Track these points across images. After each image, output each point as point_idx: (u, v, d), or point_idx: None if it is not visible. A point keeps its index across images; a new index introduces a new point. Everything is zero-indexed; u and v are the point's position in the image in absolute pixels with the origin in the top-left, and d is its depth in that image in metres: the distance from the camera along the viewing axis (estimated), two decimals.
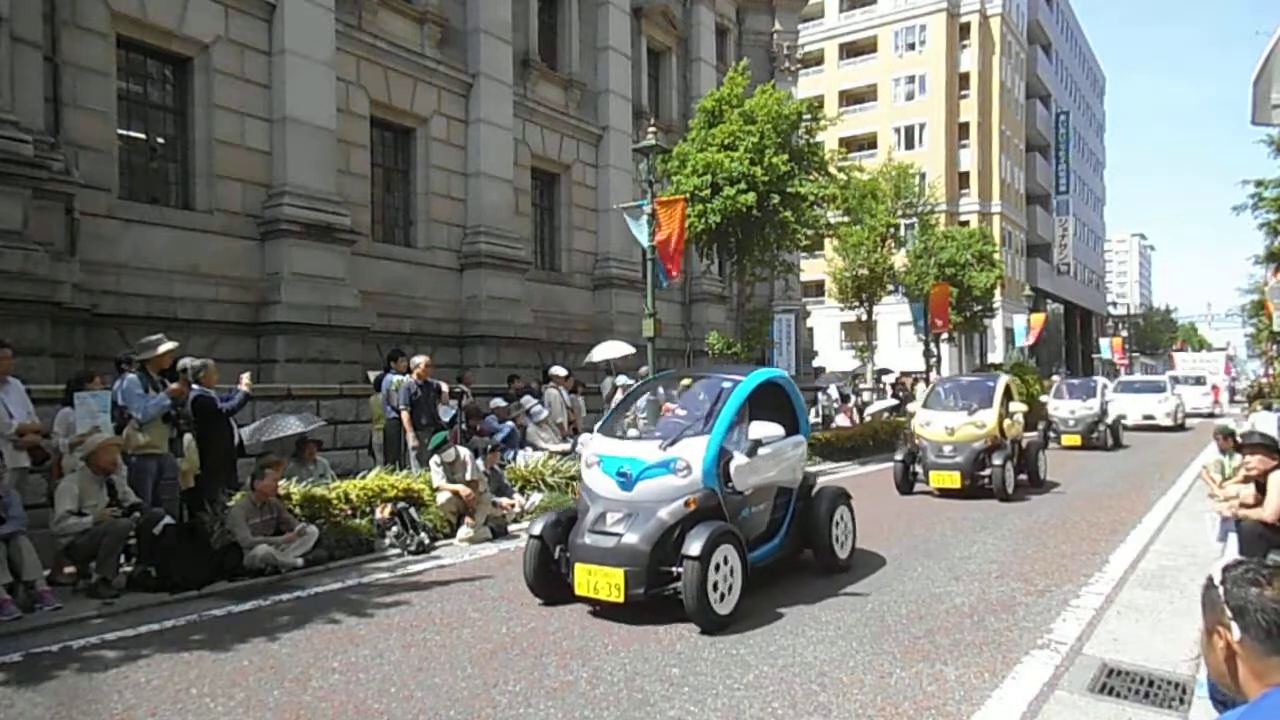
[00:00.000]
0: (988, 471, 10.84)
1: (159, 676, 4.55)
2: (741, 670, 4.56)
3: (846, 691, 4.25)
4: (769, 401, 6.74)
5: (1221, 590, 1.70)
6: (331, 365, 12.51)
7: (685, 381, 6.99)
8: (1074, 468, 14.59)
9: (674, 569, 5.31)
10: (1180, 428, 24.74)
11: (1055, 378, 28.31)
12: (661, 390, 7.19)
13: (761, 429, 6.00)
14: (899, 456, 11.75)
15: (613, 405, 14.38)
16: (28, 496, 6.59)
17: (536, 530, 5.94)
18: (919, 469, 11.49)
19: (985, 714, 3.99)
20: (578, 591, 5.51)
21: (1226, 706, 1.70)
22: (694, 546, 5.17)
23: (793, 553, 6.66)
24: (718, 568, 5.24)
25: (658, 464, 5.71)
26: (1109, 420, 18.70)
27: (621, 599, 5.27)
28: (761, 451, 6.01)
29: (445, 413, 10.40)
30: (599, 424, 6.86)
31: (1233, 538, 6.08)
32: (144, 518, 6.52)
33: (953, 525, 9.19)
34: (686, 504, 5.50)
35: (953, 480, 10.95)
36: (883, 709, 4.04)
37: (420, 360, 10.06)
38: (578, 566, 5.51)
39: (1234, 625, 1.64)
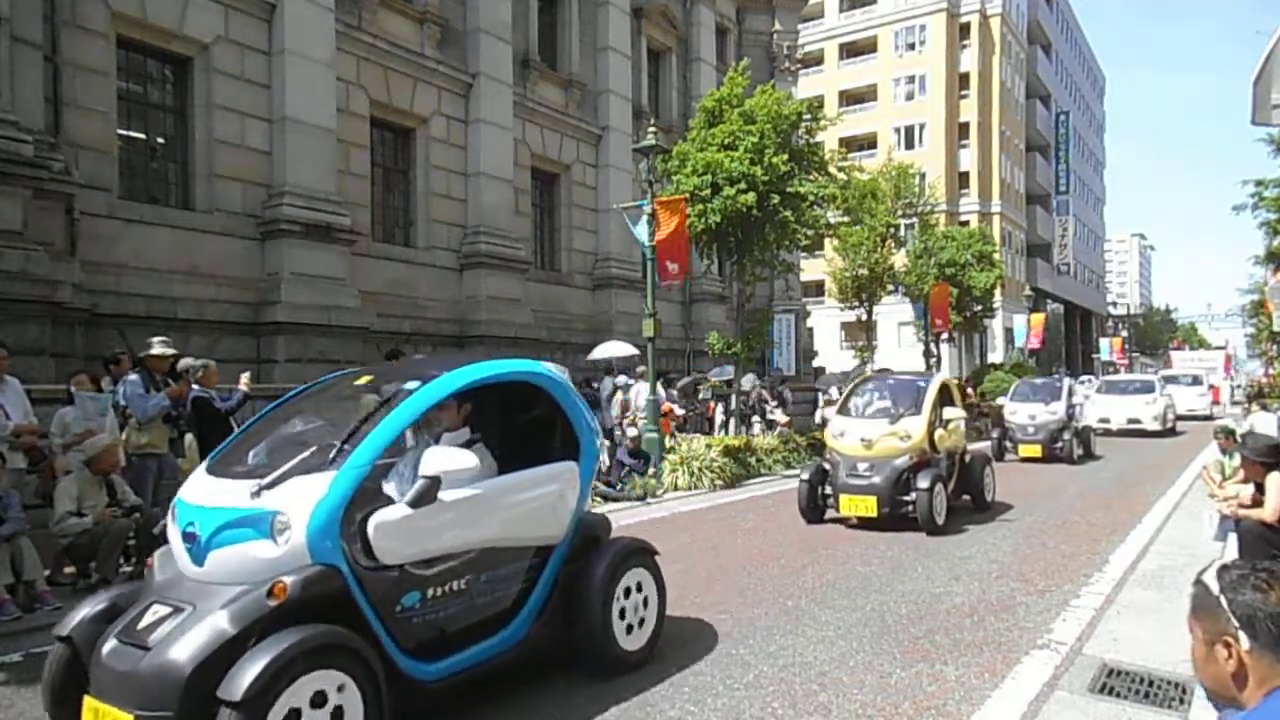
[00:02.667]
0: (912, 495, 8.64)
1: None
2: (741, 670, 4.56)
3: (846, 691, 4.25)
4: (526, 413, 4.73)
5: (1224, 599, 1.61)
6: (331, 365, 12.47)
7: (363, 381, 4.42)
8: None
9: None
10: (1170, 432, 22.89)
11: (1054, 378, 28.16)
12: (327, 396, 4.61)
13: (444, 459, 3.72)
14: (805, 476, 9.39)
15: (611, 406, 14.70)
16: (25, 497, 6.59)
17: (65, 629, 3.56)
18: (830, 490, 9.18)
19: (985, 714, 3.99)
20: None
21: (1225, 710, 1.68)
22: (240, 679, 2.97)
23: (548, 641, 4.29)
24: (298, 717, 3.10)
25: (241, 520, 3.44)
26: (1078, 426, 16.32)
27: None
28: (447, 495, 3.75)
29: None
30: (219, 448, 4.31)
31: (1232, 537, 6.08)
32: (144, 518, 6.52)
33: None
34: (271, 594, 3.22)
35: (867, 506, 8.70)
36: (883, 709, 4.04)
37: None
38: (85, 701, 3.26)
39: (1243, 635, 1.57)
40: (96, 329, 10.41)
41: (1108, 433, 21.33)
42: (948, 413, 9.67)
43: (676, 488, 11.93)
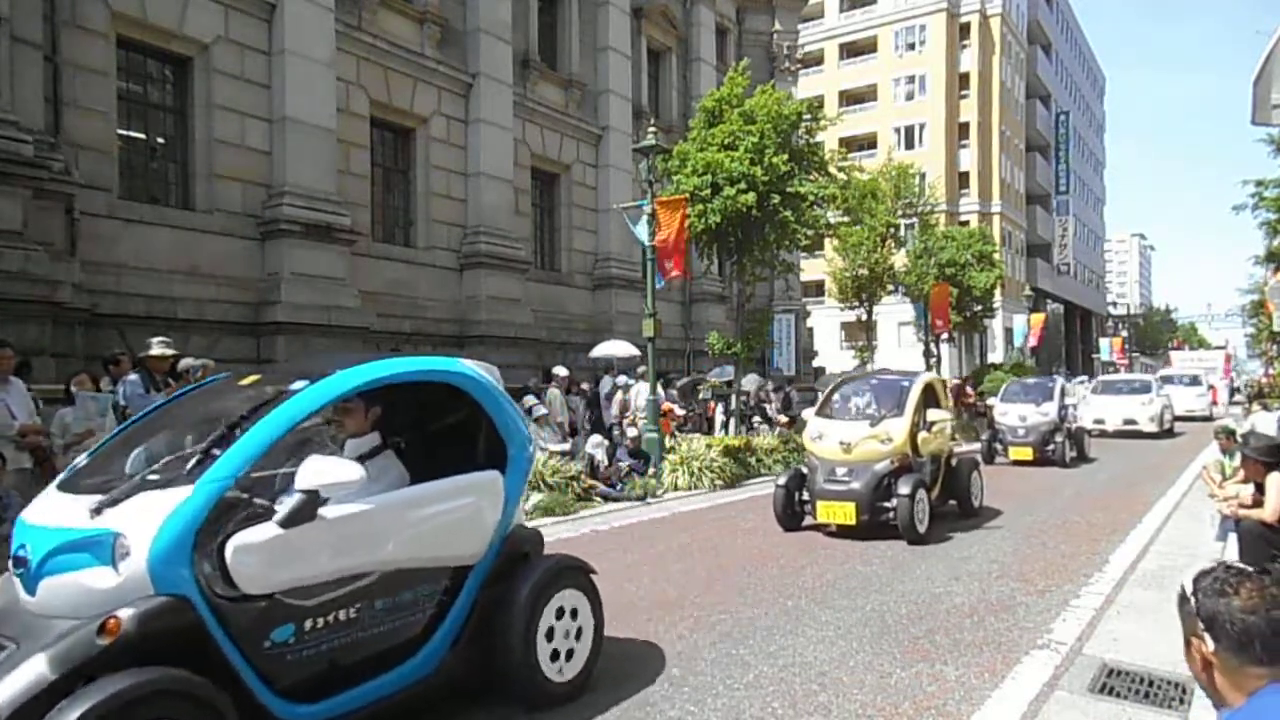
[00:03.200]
0: (893, 502, 8.13)
1: None
2: (741, 670, 4.56)
3: (846, 691, 4.25)
4: (445, 418, 4.28)
5: (1193, 601, 1.70)
6: None
7: (248, 381, 3.95)
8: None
9: None
10: (1167, 433, 22.07)
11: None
12: (207, 398, 4.08)
13: (324, 470, 3.21)
14: (781, 481, 8.96)
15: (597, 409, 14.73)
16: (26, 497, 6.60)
17: None
18: (808, 496, 8.71)
19: (985, 714, 3.99)
20: None
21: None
22: None
23: (466, 673, 3.87)
24: None
25: (77, 542, 3.00)
26: (1071, 427, 15.77)
27: None
28: (332, 512, 3.28)
29: None
30: (74, 464, 3.74)
31: (1232, 537, 6.08)
32: None
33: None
34: (103, 631, 2.77)
35: (845, 514, 8.21)
36: (883, 709, 4.04)
37: None
38: None
39: (1207, 636, 1.65)
40: (96, 329, 10.41)
41: (1103, 434, 20.80)
42: (932, 414, 9.13)
43: (676, 488, 11.93)
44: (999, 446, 15.66)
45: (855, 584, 6.48)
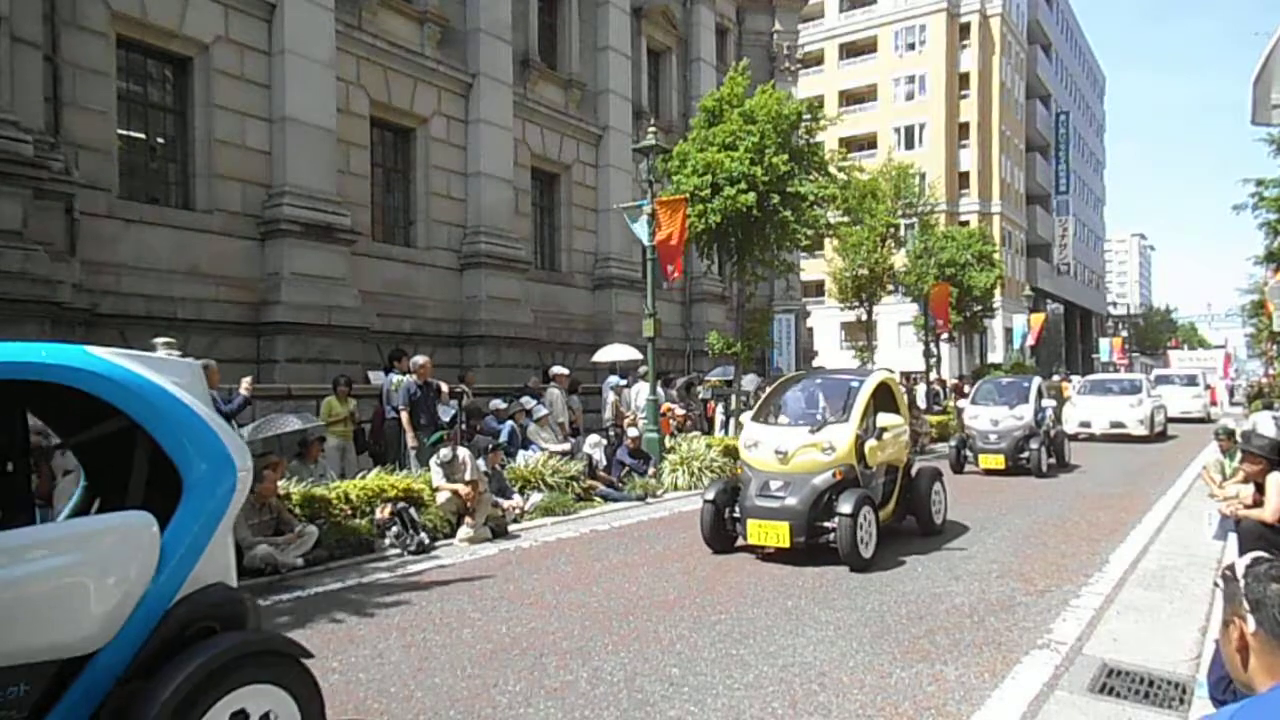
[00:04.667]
0: (833, 522, 7.00)
1: None
2: (741, 670, 4.56)
3: (846, 691, 4.25)
4: (89, 431, 3.13)
5: (1242, 583, 1.76)
6: (331, 365, 12.53)
7: None
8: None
9: None
10: (1159, 437, 20.64)
11: (1054, 378, 28.04)
12: None
13: None
14: (709, 495, 7.74)
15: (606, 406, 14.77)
16: None
17: None
18: (740, 513, 7.52)
19: (985, 714, 3.99)
20: None
21: (1226, 705, 1.72)
22: None
23: None
24: None
25: None
26: (1049, 432, 14.31)
27: None
28: None
29: (445, 412, 10.42)
30: None
31: (1232, 537, 6.09)
32: None
33: None
34: None
35: (778, 535, 7.08)
36: (883, 709, 4.04)
37: (421, 360, 10.10)
38: None
39: (1250, 617, 1.70)
40: (96, 329, 10.40)
41: (1091, 438, 20.02)
42: (884, 419, 7.88)
43: (676, 487, 11.93)
44: (968, 454, 14.08)
45: (855, 584, 6.48)
